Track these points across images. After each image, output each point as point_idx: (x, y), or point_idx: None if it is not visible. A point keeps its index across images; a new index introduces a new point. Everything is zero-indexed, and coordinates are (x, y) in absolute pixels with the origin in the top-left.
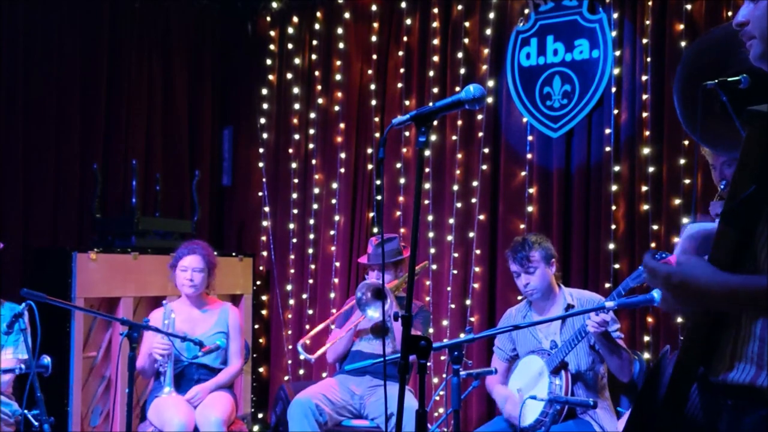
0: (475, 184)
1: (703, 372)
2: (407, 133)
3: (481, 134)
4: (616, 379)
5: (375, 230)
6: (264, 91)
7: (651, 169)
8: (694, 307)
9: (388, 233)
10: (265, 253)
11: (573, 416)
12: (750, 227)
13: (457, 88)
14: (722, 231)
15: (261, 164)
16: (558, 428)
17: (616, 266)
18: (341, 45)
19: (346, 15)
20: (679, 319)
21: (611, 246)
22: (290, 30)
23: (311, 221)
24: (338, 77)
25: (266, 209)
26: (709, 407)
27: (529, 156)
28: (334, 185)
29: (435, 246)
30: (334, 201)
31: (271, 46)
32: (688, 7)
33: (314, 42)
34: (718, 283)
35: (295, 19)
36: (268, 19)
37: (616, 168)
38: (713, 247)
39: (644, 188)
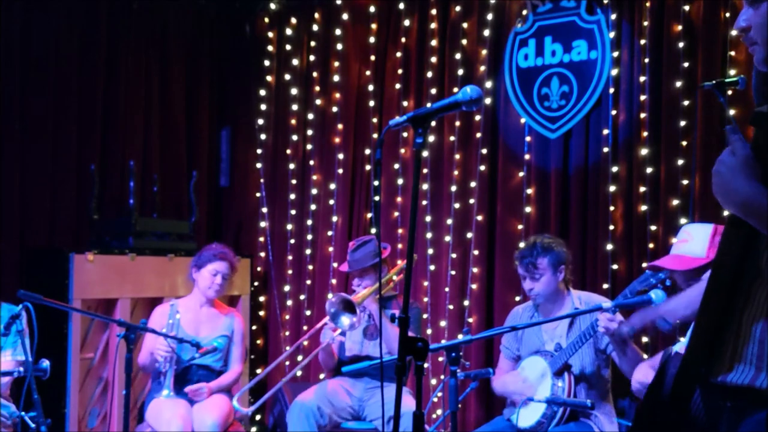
0: (473, 184)
1: (704, 372)
2: (405, 134)
3: (479, 135)
4: (620, 385)
5: (373, 231)
6: (262, 92)
7: (649, 170)
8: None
9: (363, 236)
10: (262, 254)
11: (575, 418)
12: (756, 229)
13: (455, 89)
14: (729, 232)
15: (259, 165)
16: (558, 429)
17: (615, 267)
18: (339, 46)
19: (344, 16)
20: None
21: (609, 246)
22: (288, 31)
23: (309, 222)
24: (336, 78)
25: (264, 210)
26: (710, 408)
27: (527, 157)
28: (332, 186)
29: (433, 247)
30: (331, 202)
31: (269, 47)
32: (686, 8)
33: (312, 43)
34: (739, 190)
35: (293, 20)
36: (266, 20)
37: (614, 169)
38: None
39: (642, 189)
